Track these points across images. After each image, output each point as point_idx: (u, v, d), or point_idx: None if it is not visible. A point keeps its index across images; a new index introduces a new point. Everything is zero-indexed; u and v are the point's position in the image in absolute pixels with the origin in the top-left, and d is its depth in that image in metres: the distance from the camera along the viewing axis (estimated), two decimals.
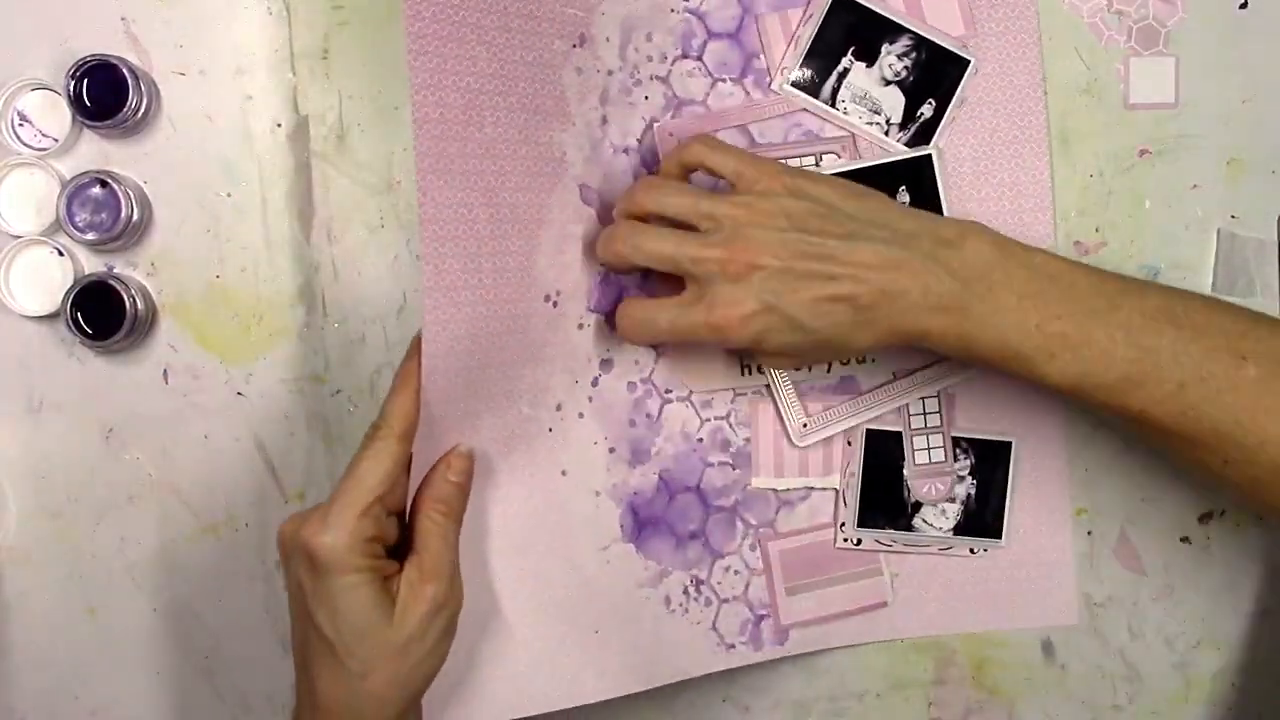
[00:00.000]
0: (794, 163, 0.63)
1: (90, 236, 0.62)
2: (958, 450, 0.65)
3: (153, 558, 0.65)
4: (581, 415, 0.62)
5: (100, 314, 0.62)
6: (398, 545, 0.54)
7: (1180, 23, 0.64)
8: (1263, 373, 0.53)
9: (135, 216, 0.63)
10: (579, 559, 0.61)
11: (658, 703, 0.66)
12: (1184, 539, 0.66)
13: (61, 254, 0.63)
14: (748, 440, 0.64)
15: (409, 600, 0.52)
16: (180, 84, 0.64)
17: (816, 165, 0.63)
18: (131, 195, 0.62)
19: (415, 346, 0.53)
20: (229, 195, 0.64)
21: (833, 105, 0.64)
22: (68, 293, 0.62)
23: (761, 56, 0.64)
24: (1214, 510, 0.66)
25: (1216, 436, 0.53)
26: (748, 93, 0.64)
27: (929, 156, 0.63)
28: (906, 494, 0.65)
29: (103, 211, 0.62)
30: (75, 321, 0.62)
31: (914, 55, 0.63)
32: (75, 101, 0.61)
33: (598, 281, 0.61)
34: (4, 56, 0.63)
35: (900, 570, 0.65)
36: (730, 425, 0.64)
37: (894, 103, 0.64)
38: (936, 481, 0.65)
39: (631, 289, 0.62)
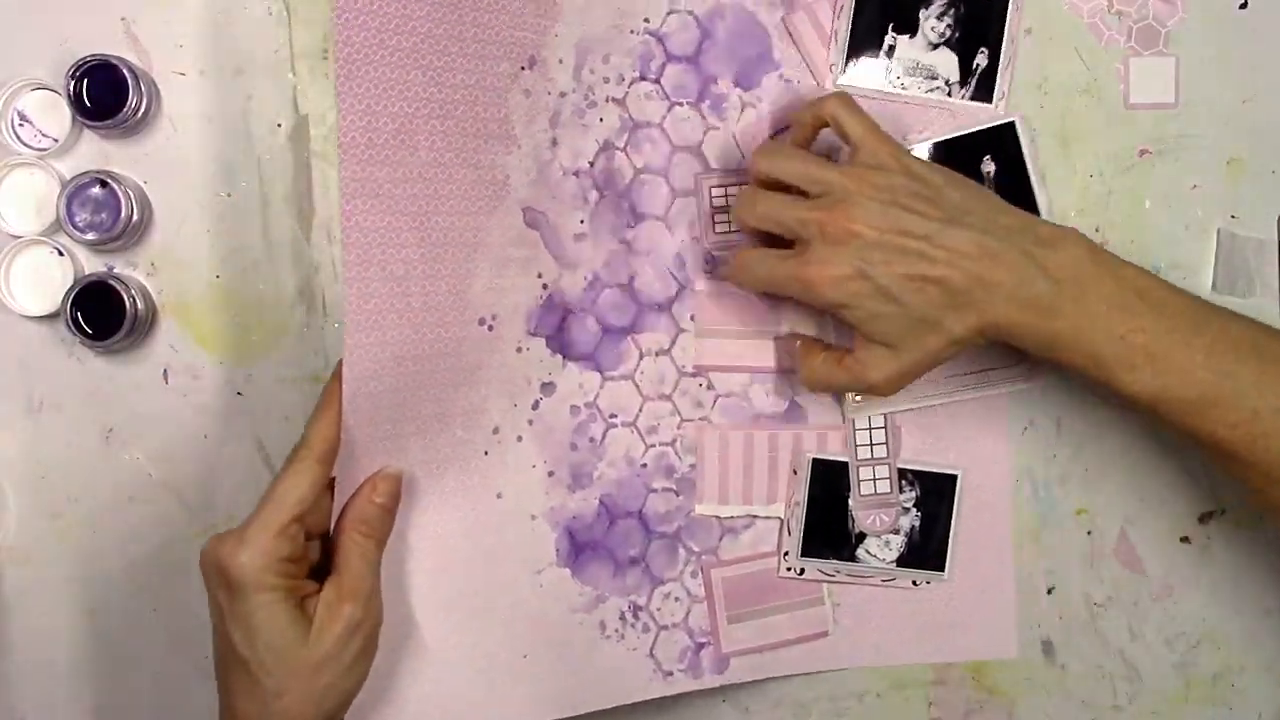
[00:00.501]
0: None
1: (90, 236, 0.62)
2: (904, 482, 0.65)
3: (153, 558, 0.65)
4: (520, 439, 0.61)
5: (100, 314, 0.62)
6: (322, 567, 0.55)
7: (1180, 23, 0.64)
8: None
9: (135, 216, 0.63)
10: (511, 582, 0.61)
11: (657, 703, 0.66)
12: (1184, 539, 0.66)
13: (61, 254, 0.63)
14: (693, 466, 0.64)
15: (325, 619, 0.52)
16: (180, 84, 0.64)
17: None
18: (131, 195, 0.62)
19: (339, 369, 0.53)
20: (229, 195, 0.64)
21: (888, 84, 0.64)
22: (68, 293, 0.62)
23: (719, 81, 0.64)
24: (1214, 510, 0.66)
25: None
26: (704, 117, 0.64)
27: (1012, 124, 0.64)
28: (851, 525, 0.65)
29: (103, 211, 0.62)
30: (75, 321, 0.62)
31: (953, 12, 0.64)
32: (75, 101, 0.61)
33: (539, 305, 0.61)
34: (4, 56, 0.63)
35: (842, 600, 0.65)
36: (675, 451, 0.64)
37: (947, 62, 0.64)
38: (881, 513, 0.65)
39: (577, 310, 0.62)
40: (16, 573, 0.65)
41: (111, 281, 0.62)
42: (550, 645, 0.62)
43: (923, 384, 0.62)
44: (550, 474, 0.62)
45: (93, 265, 0.64)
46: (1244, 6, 0.64)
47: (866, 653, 0.65)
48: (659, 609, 0.64)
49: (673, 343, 0.64)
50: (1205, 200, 0.65)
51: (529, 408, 0.62)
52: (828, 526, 0.65)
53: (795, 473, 0.65)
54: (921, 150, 0.64)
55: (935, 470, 0.65)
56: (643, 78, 0.63)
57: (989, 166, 0.64)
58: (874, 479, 0.65)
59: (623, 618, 0.63)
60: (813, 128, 0.60)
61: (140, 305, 0.63)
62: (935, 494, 0.65)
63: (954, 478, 0.65)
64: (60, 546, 0.65)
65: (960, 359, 0.60)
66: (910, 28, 0.64)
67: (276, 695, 0.51)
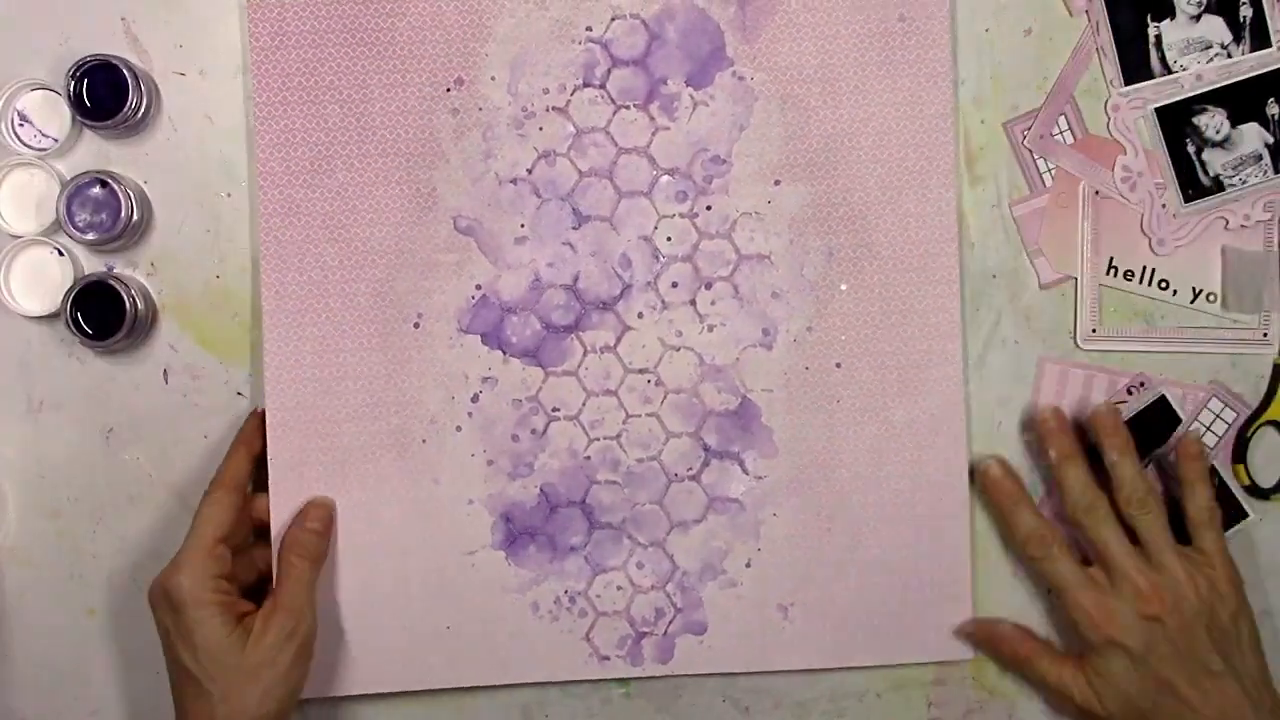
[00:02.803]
0: None
1: (90, 236, 0.62)
2: None
3: (153, 558, 0.65)
4: (459, 429, 0.64)
5: (100, 314, 0.62)
6: (259, 589, 0.63)
7: None
8: None
9: (135, 216, 0.63)
10: (440, 561, 0.65)
11: (657, 703, 0.66)
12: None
13: (61, 254, 0.63)
14: (639, 460, 0.65)
15: (261, 629, 0.59)
16: (180, 84, 0.64)
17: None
18: (131, 195, 0.62)
19: (252, 418, 0.64)
20: (229, 195, 0.64)
21: (1169, 72, 0.64)
22: (68, 293, 0.62)
23: (670, 82, 0.64)
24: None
25: None
26: (653, 119, 0.64)
27: None
28: None
29: (103, 211, 0.62)
30: (75, 321, 0.62)
31: None
32: (75, 101, 0.62)
33: (471, 304, 0.64)
34: (4, 56, 0.63)
35: (796, 599, 0.65)
36: (620, 446, 0.65)
37: (1215, 27, 0.65)
38: None
39: (519, 309, 0.64)
40: (16, 573, 0.65)
41: (111, 281, 0.62)
42: (476, 620, 0.65)
43: None
44: (490, 463, 0.65)
45: (93, 265, 0.64)
46: None
47: (821, 653, 0.65)
48: (599, 595, 0.65)
49: (618, 340, 0.64)
50: None
51: (468, 400, 0.64)
52: None
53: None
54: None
55: None
56: (586, 84, 0.64)
57: (1275, 109, 0.64)
58: None
59: (558, 601, 0.65)
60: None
61: (140, 305, 0.63)
62: None
63: None
64: (60, 546, 0.65)
65: None
66: (1167, 11, 0.64)
67: (222, 699, 0.58)
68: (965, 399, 0.65)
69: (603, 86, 0.64)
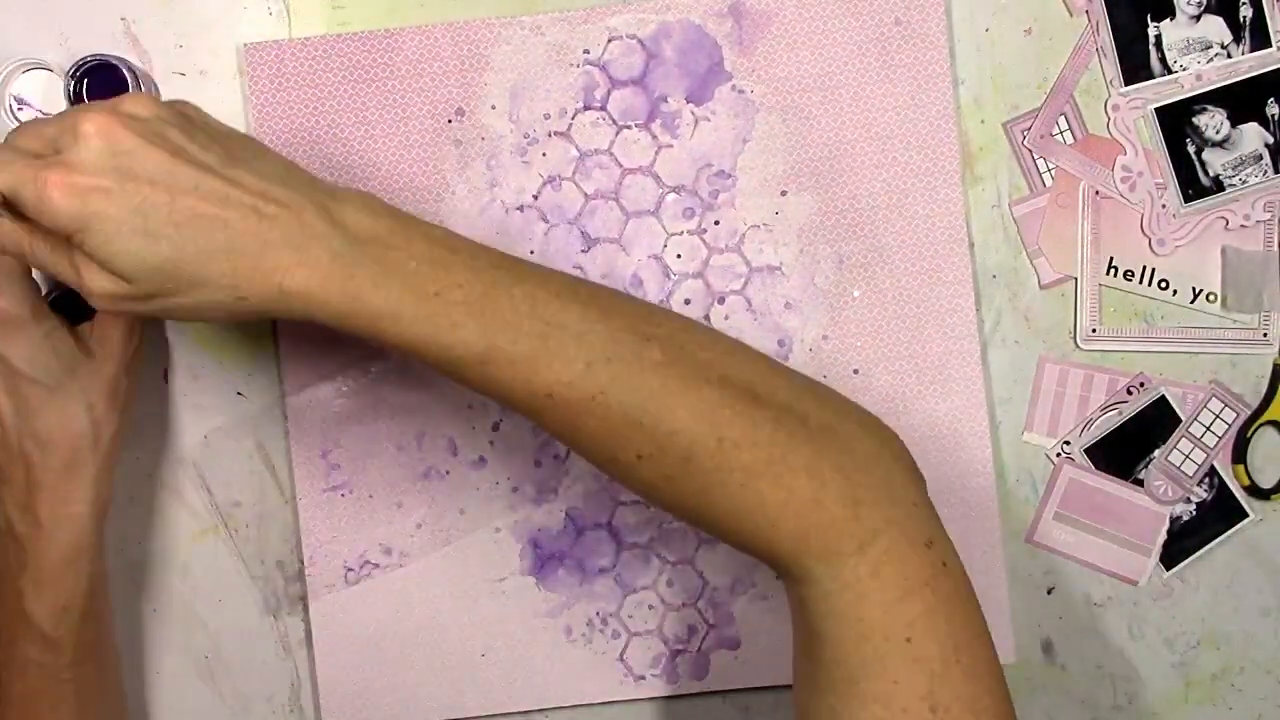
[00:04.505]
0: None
1: None
2: None
3: (153, 558, 0.65)
4: (483, 459, 0.65)
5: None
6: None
7: None
8: (667, 356, 0.49)
9: None
10: (471, 589, 0.65)
11: (657, 703, 0.66)
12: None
13: None
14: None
15: (103, 329, 0.57)
16: (180, 84, 0.64)
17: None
18: None
19: None
20: None
21: (1169, 72, 0.64)
22: (49, 291, 0.62)
23: (670, 100, 0.64)
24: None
25: (628, 425, 0.49)
26: (655, 137, 0.64)
27: None
28: None
29: None
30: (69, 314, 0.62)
31: None
32: (75, 101, 0.61)
33: None
34: (4, 56, 0.63)
35: None
36: None
37: (1215, 27, 0.65)
38: None
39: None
40: None
41: None
42: (511, 646, 0.65)
43: None
44: (514, 489, 0.65)
45: None
46: None
47: None
48: (630, 616, 0.65)
49: None
50: None
51: (488, 429, 0.64)
52: None
53: None
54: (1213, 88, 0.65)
55: None
56: (587, 107, 0.64)
57: (1274, 109, 0.64)
58: None
59: (590, 624, 0.65)
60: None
61: None
62: None
63: None
64: None
65: None
66: (1167, 11, 0.64)
67: (90, 406, 0.56)
68: (988, 397, 0.65)
69: (603, 108, 0.64)
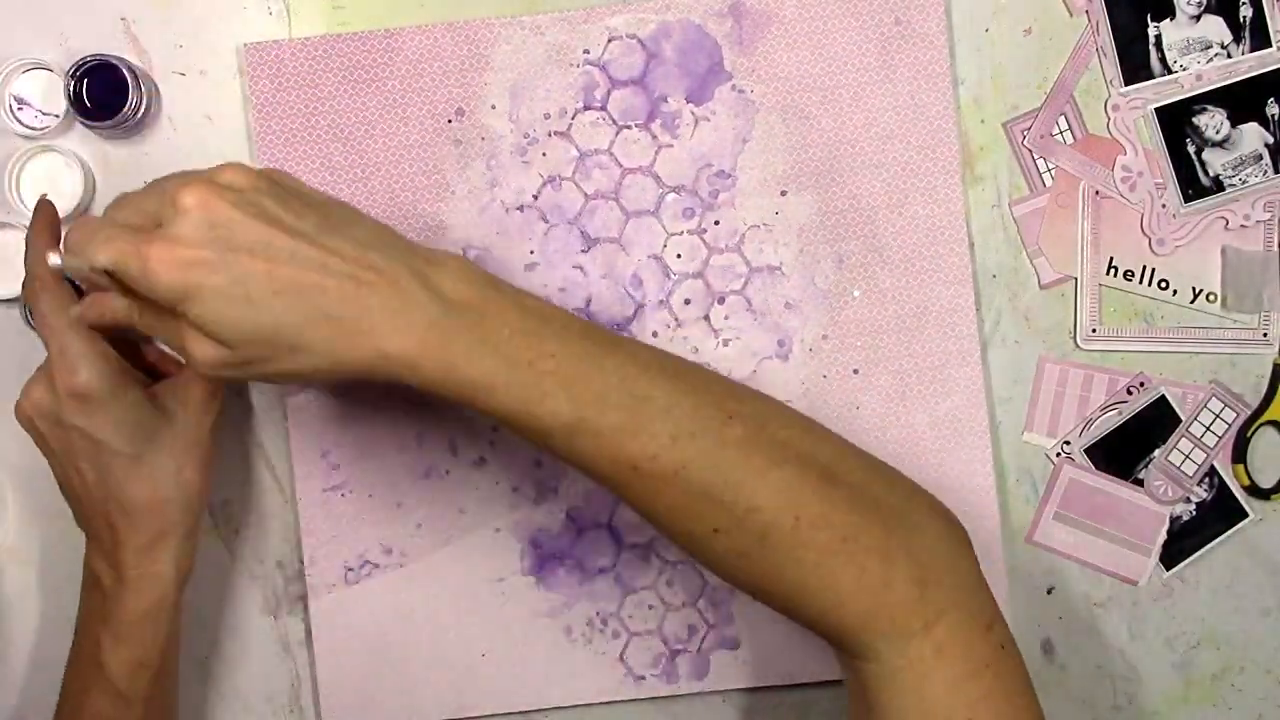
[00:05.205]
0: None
1: None
2: None
3: None
4: (483, 459, 0.65)
5: None
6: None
7: None
8: (749, 433, 0.50)
9: None
10: (471, 589, 0.65)
11: (657, 703, 0.66)
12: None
13: None
14: None
15: (183, 394, 0.58)
16: (180, 84, 0.64)
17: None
18: None
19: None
20: None
21: (1169, 72, 0.64)
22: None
23: (670, 100, 0.64)
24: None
25: (708, 500, 0.50)
26: (655, 137, 0.64)
27: None
28: None
29: None
30: None
31: None
32: (75, 101, 0.61)
33: None
34: (4, 56, 0.63)
35: None
36: None
37: (1215, 27, 0.65)
38: None
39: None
40: (16, 573, 0.65)
41: None
42: (510, 646, 0.65)
43: None
44: (514, 489, 0.65)
45: None
46: None
47: None
48: (630, 616, 0.65)
49: None
50: None
51: (488, 429, 0.65)
52: None
53: None
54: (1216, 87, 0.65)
55: None
56: (587, 107, 0.64)
57: (1274, 109, 0.64)
58: None
59: (590, 624, 0.65)
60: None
61: None
62: None
63: None
64: (60, 546, 0.65)
65: None
66: (1167, 11, 0.65)
67: (178, 470, 0.56)
68: (988, 397, 0.65)
69: (603, 108, 0.64)
